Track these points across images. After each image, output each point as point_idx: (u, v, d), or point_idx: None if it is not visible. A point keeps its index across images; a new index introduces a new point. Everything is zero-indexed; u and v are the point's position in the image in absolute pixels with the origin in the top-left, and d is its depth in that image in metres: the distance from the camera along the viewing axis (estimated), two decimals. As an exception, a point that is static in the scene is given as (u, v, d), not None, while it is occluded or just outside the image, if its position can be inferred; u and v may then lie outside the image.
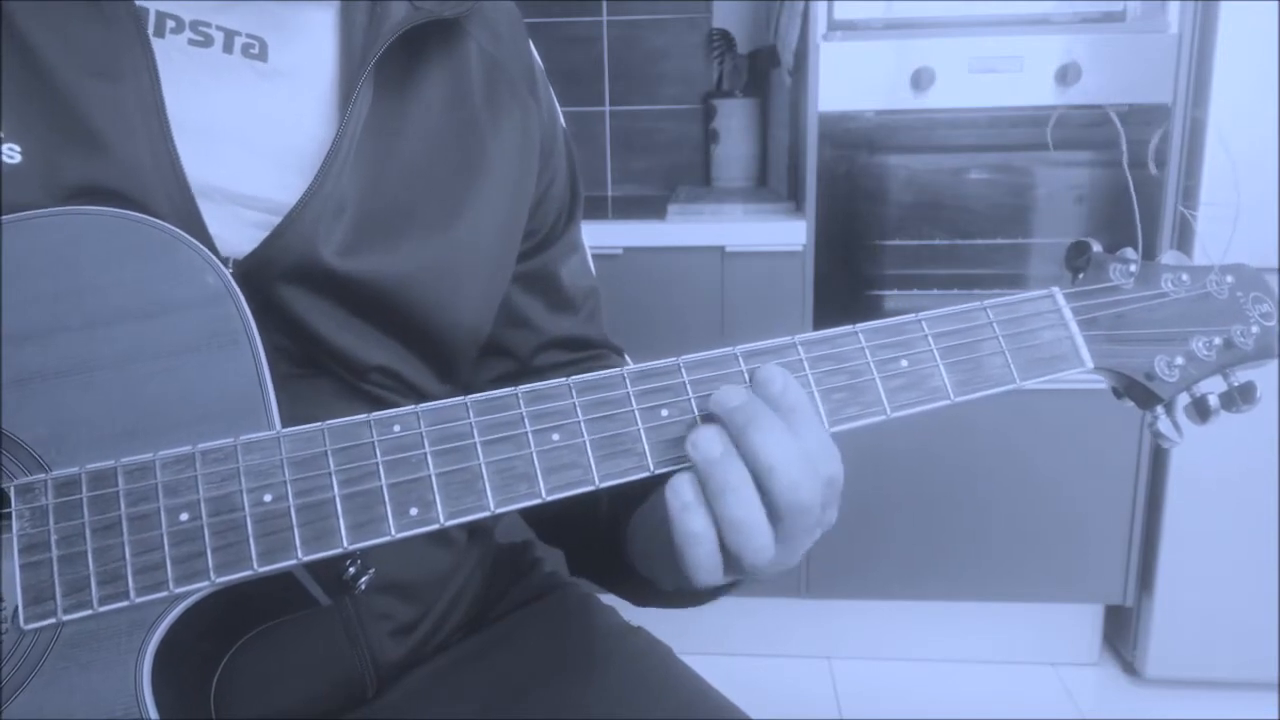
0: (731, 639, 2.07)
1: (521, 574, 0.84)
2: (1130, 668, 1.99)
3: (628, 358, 0.84)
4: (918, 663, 2.06)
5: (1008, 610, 2.01)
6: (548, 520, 0.81)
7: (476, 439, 0.51)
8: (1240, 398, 0.61)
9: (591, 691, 0.72)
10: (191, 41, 0.61)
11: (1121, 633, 2.01)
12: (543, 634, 0.77)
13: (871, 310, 1.88)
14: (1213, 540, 1.83)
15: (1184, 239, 1.77)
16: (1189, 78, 1.72)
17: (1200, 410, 0.61)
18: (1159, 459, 1.85)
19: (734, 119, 2.26)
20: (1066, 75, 1.71)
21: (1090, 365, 0.59)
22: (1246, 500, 1.79)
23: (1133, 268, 0.60)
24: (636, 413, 0.53)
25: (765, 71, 2.26)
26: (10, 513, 0.49)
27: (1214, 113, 1.69)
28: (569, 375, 0.79)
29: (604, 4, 2.33)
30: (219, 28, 0.62)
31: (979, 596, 1.98)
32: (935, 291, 1.86)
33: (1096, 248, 0.61)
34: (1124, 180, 1.75)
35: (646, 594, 0.71)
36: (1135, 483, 1.87)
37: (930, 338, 0.56)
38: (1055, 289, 0.60)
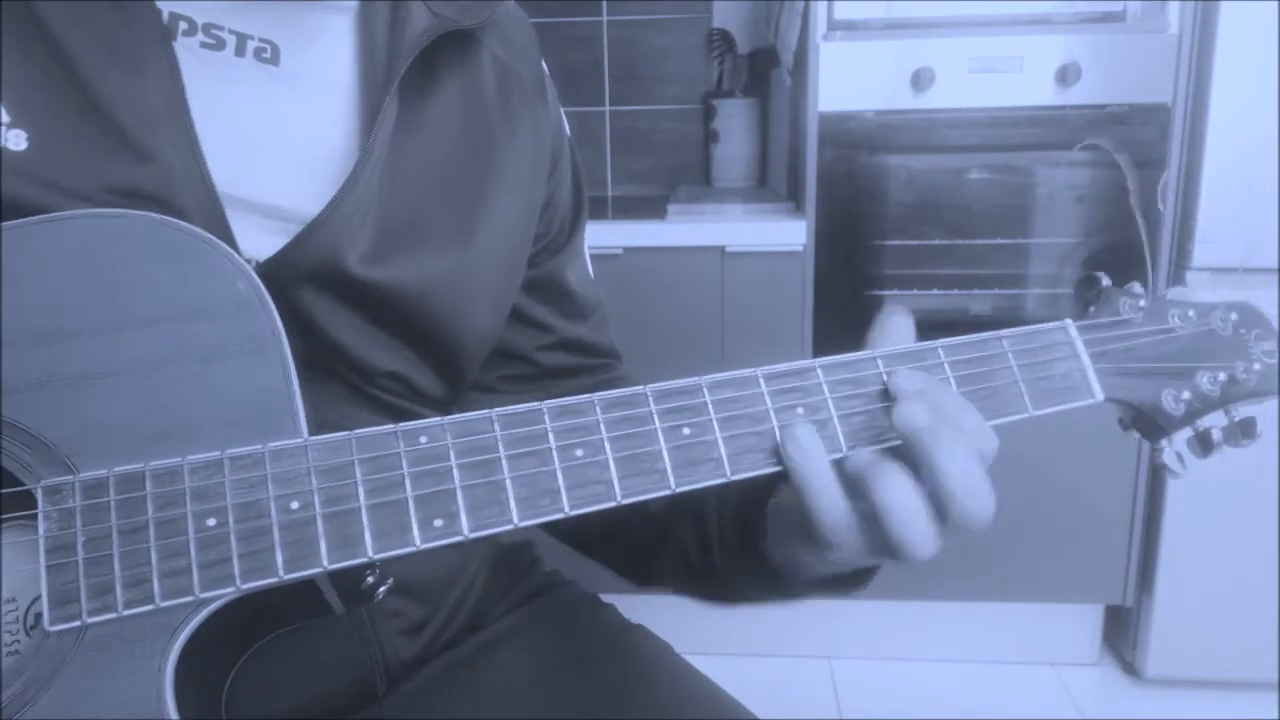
0: (731, 638, 2.06)
1: (522, 573, 0.84)
2: (1130, 668, 2.00)
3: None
4: (918, 663, 2.06)
5: (1008, 610, 2.02)
6: (600, 536, 0.79)
7: (502, 452, 0.51)
8: (1241, 432, 0.62)
9: (593, 687, 0.73)
10: (203, 45, 0.61)
11: (1121, 633, 2.02)
12: (545, 631, 0.78)
13: (871, 310, 1.87)
14: (1213, 540, 1.84)
15: (1183, 245, 1.78)
16: (1189, 78, 1.72)
17: (1203, 444, 0.62)
18: (1159, 459, 1.85)
19: (734, 119, 2.26)
20: (1066, 75, 1.71)
21: (1101, 398, 0.60)
22: (1246, 500, 1.80)
23: (1141, 302, 0.62)
24: (659, 431, 0.53)
25: (765, 71, 2.26)
26: (37, 514, 0.49)
27: (1214, 113, 1.69)
28: (575, 378, 0.80)
29: (604, 4, 2.33)
30: (231, 31, 0.61)
31: (979, 596, 1.99)
32: (935, 291, 1.85)
33: (1106, 282, 0.62)
34: (1124, 180, 1.75)
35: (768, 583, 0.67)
36: (1135, 483, 1.87)
37: (947, 365, 0.57)
38: (1068, 321, 0.60)
